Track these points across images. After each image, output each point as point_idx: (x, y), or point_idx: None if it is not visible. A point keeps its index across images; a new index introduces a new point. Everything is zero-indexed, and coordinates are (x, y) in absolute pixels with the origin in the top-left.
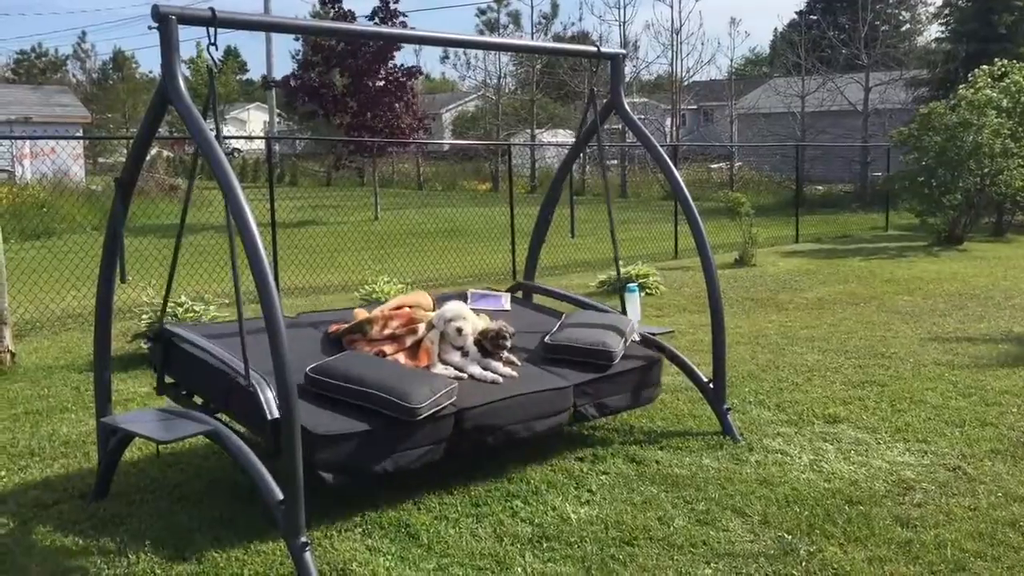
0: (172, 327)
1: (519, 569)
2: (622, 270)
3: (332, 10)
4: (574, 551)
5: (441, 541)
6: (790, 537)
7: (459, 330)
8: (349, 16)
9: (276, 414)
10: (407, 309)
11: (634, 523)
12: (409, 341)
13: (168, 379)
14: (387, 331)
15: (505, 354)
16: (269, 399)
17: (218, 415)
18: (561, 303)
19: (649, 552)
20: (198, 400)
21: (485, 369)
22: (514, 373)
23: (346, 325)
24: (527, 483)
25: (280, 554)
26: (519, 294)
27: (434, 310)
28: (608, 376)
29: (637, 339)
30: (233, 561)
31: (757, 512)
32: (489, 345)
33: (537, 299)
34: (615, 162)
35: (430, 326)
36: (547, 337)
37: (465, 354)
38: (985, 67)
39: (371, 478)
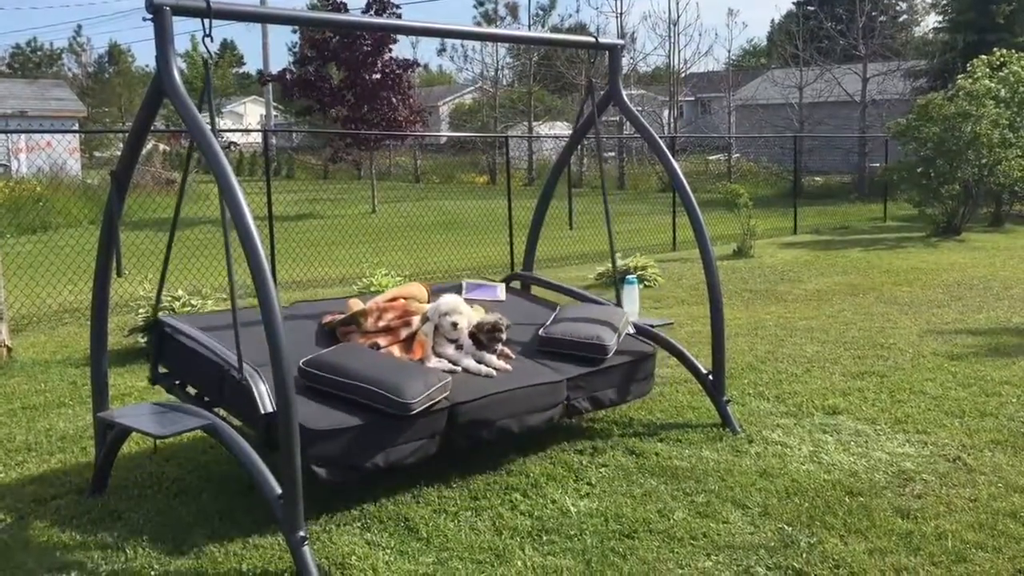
0: (166, 318)
1: (519, 562)
2: (620, 262)
3: (327, 2)
4: (574, 544)
5: (440, 534)
6: (790, 529)
7: (454, 324)
8: (342, 8)
9: (270, 408)
10: (402, 301)
11: (634, 515)
12: (403, 334)
13: (162, 368)
14: (381, 323)
15: (499, 347)
16: (263, 392)
17: (215, 410)
18: (558, 296)
19: (649, 545)
20: (191, 391)
21: (479, 363)
22: (508, 367)
23: (340, 316)
24: (526, 476)
25: (279, 548)
26: (515, 284)
27: (429, 302)
28: (602, 370)
29: (632, 331)
30: (231, 556)
31: (757, 504)
32: (484, 338)
33: (534, 291)
34: (612, 154)
35: (424, 319)
36: (541, 330)
37: (459, 347)
38: (984, 57)
39: (364, 473)
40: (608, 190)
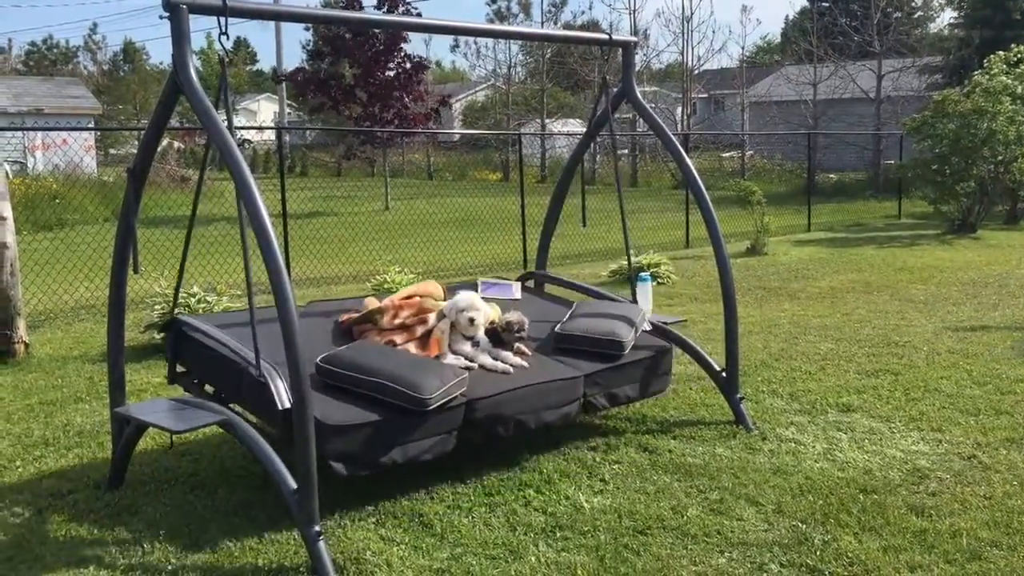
0: (184, 317)
1: (532, 558)
2: (634, 259)
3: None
4: (587, 540)
5: (454, 530)
6: (804, 526)
7: (471, 320)
8: (357, 4)
9: (287, 404)
10: (418, 299)
11: (647, 512)
12: (420, 331)
13: (180, 368)
14: (397, 321)
15: (516, 344)
16: (280, 389)
17: (231, 405)
18: (572, 293)
19: (663, 541)
20: (209, 389)
21: (496, 359)
22: (525, 363)
23: (357, 315)
24: (540, 472)
25: (294, 543)
26: (530, 283)
27: (445, 300)
28: (619, 366)
29: (648, 328)
30: (247, 550)
31: (771, 501)
32: (505, 336)
33: (548, 289)
34: (625, 151)
35: (441, 316)
36: (557, 327)
37: (476, 344)
38: (1001, 53)
39: (381, 469)
40: (622, 187)
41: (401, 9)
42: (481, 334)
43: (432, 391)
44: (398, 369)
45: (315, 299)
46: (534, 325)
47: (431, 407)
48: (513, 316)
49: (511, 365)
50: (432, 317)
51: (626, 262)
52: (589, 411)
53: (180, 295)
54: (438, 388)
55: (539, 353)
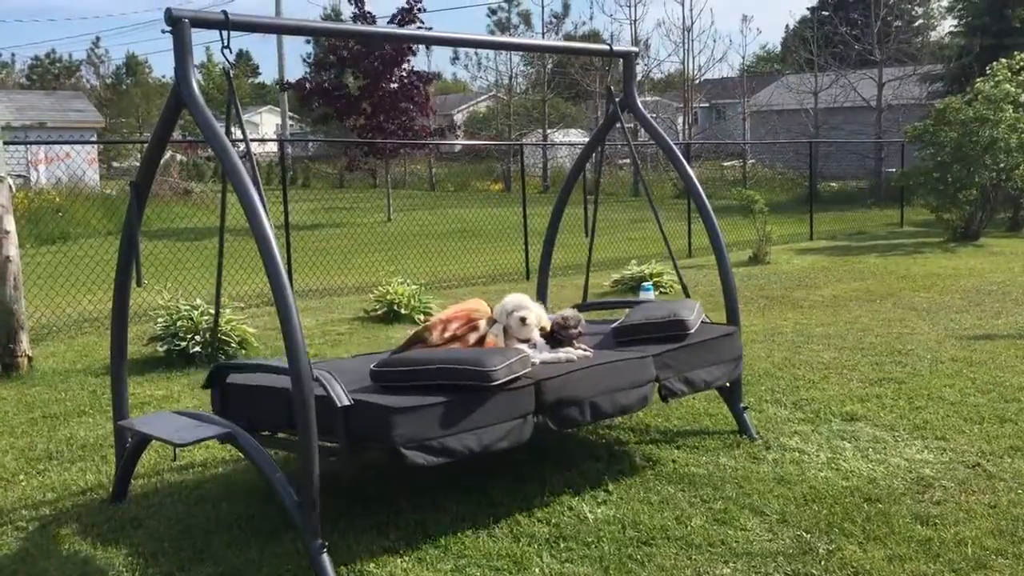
0: (223, 364)
1: (536, 569)
2: (634, 269)
3: (356, 10)
4: (591, 551)
5: (458, 542)
6: (808, 536)
7: (523, 320)
8: (369, 17)
9: (346, 401)
10: (464, 312)
11: (651, 522)
12: (472, 338)
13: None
14: (447, 334)
15: (576, 343)
16: (338, 389)
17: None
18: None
19: (667, 552)
20: (264, 433)
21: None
22: (588, 353)
23: (403, 343)
24: (543, 483)
25: (297, 556)
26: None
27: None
28: (687, 347)
29: (707, 320)
30: (250, 563)
31: (775, 511)
32: (560, 333)
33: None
34: (627, 160)
35: (491, 321)
36: (615, 324)
37: (533, 346)
38: (1004, 60)
39: (458, 457)
40: (622, 197)
41: (414, 26)
42: (536, 335)
43: (496, 364)
44: (457, 354)
45: (359, 354)
46: (592, 336)
47: (497, 381)
48: (568, 312)
49: (573, 356)
50: (483, 323)
51: (629, 272)
52: (668, 396)
53: (183, 308)
54: (502, 363)
55: (600, 348)
